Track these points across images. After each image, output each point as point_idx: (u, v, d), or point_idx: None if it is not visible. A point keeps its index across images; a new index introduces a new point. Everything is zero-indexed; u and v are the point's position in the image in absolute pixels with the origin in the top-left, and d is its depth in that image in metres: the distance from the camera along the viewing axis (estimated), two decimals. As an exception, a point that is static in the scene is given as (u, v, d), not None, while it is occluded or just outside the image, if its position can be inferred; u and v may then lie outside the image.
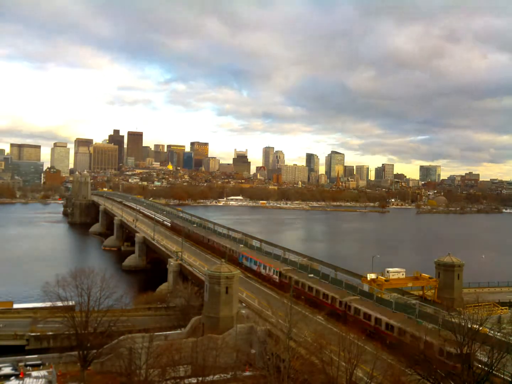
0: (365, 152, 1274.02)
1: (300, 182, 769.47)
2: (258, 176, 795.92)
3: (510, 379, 38.96)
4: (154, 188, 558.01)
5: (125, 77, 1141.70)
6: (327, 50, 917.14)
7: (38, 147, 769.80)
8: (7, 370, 51.11)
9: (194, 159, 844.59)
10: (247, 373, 51.87)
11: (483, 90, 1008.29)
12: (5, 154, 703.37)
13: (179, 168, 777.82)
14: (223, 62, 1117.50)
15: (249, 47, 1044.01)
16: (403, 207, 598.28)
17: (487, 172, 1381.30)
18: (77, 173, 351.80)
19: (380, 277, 71.83)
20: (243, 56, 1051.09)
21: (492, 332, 44.76)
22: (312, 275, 79.56)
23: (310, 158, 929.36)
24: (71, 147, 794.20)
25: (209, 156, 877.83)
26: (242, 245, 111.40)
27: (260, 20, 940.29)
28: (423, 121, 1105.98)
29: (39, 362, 53.77)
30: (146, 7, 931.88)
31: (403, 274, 74.26)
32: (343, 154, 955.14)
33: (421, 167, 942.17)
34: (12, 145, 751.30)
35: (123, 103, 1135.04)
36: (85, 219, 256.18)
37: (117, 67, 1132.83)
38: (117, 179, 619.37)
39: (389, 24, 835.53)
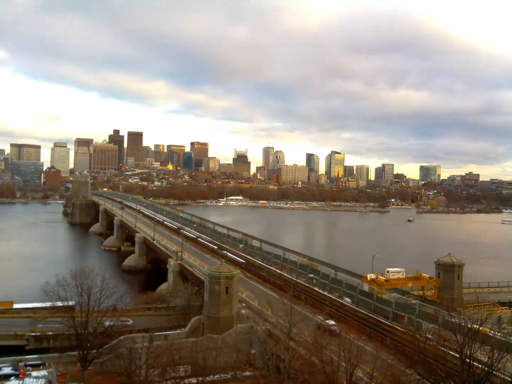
0: (359, 155, 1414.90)
1: (300, 182, 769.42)
2: (258, 176, 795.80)
3: (510, 379, 38.96)
4: (154, 188, 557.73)
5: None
6: (305, 90, 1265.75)
7: (38, 147, 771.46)
8: (7, 370, 51.14)
9: (194, 159, 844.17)
10: (247, 373, 51.88)
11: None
12: (5, 154, 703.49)
13: (179, 168, 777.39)
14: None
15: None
16: (403, 207, 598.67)
17: (479, 173, 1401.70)
18: (77, 173, 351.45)
19: (380, 277, 71.89)
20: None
21: (492, 332, 44.76)
22: (312, 275, 79.73)
23: (310, 158, 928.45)
24: (71, 147, 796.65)
25: (209, 156, 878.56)
26: (242, 245, 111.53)
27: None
28: (399, 132, 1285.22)
29: (39, 362, 53.76)
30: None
31: (403, 274, 74.32)
32: (343, 154, 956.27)
33: (421, 167, 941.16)
34: (12, 145, 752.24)
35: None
36: (85, 219, 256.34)
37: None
38: (117, 179, 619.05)
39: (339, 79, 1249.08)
